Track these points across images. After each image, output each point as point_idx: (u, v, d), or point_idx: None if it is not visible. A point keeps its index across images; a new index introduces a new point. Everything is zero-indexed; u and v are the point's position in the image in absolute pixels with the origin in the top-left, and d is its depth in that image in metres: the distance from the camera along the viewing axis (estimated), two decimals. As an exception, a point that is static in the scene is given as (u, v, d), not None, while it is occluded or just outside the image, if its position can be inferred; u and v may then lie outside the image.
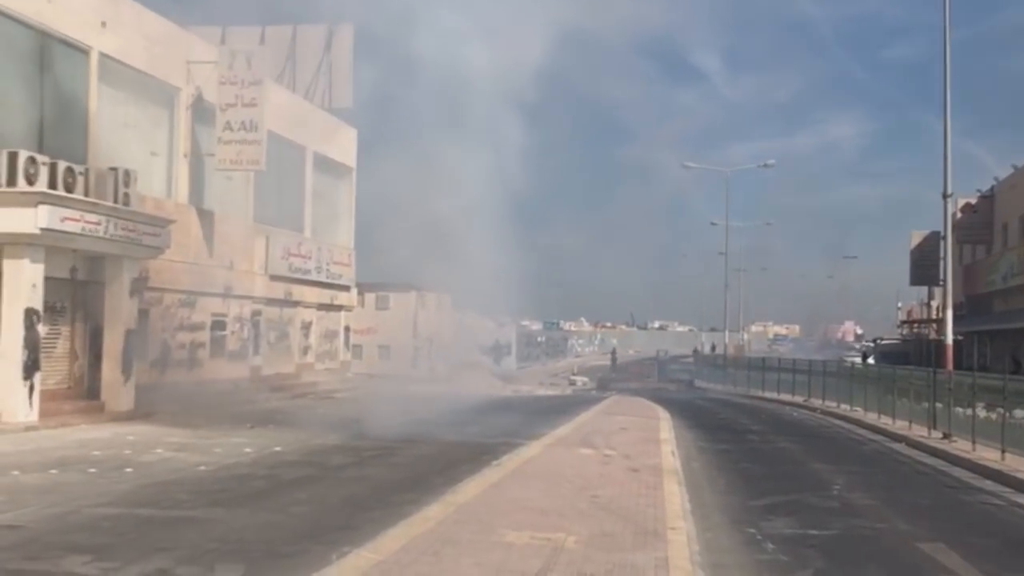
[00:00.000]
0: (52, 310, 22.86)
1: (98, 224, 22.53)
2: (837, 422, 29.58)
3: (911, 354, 59.69)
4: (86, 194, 22.41)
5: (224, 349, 31.44)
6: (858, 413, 29.63)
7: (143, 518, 11.73)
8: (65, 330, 23.85)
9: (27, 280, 21.36)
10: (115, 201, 23.26)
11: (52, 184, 21.43)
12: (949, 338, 25.69)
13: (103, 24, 24.97)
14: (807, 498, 14.68)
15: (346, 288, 41.20)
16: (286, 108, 34.77)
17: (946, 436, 21.91)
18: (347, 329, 42.30)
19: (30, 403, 21.30)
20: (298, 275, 36.17)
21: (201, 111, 29.46)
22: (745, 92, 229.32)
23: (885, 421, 26.57)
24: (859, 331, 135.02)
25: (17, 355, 21.13)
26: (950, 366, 24.97)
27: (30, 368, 21.35)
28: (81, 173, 22.45)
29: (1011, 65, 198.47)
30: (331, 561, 9.08)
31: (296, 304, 36.72)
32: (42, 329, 21.84)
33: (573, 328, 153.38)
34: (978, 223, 48.68)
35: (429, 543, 9.84)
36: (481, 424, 25.03)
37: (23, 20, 22.61)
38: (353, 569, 8.77)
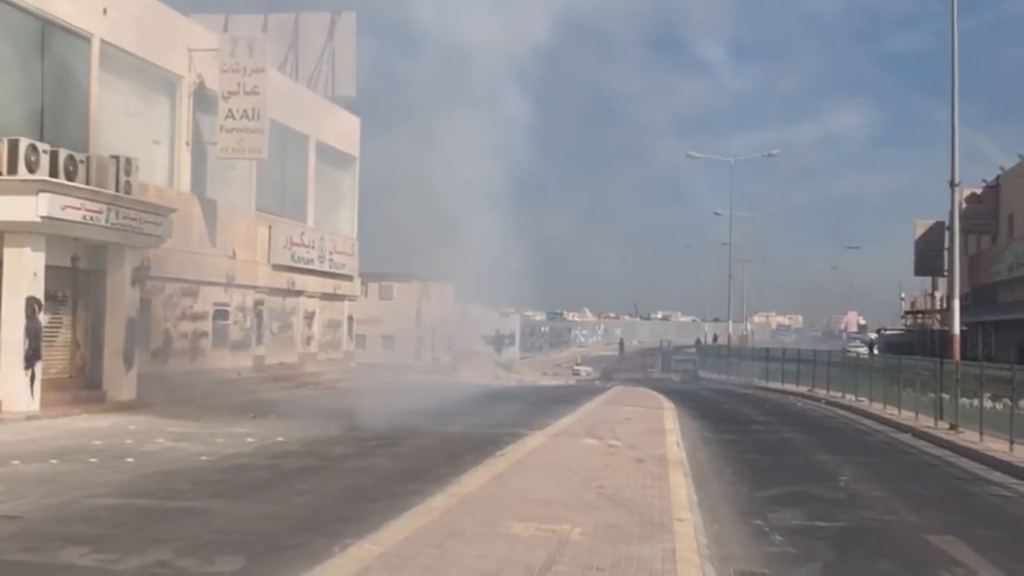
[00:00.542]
0: (53, 299, 22.71)
1: (99, 212, 22.38)
2: (842, 412, 29.47)
3: (915, 344, 59.46)
4: (87, 182, 22.27)
5: (226, 339, 31.31)
6: (863, 403, 29.52)
7: (143, 509, 11.60)
8: (66, 319, 23.71)
9: (28, 269, 21.23)
10: (116, 189, 23.13)
11: (53, 172, 21.29)
12: (956, 328, 25.48)
13: (104, 11, 24.77)
14: (814, 489, 14.55)
15: (349, 278, 41.04)
16: (289, 96, 34.57)
17: (953, 427, 21.78)
18: (350, 319, 42.15)
19: (31, 392, 21.19)
20: (301, 264, 36.01)
21: (203, 99, 29.27)
22: (749, 82, 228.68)
23: (891, 411, 26.44)
24: (862, 321, 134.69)
25: (18, 344, 21.00)
26: (957, 356, 24.77)
27: (31, 357, 21.23)
28: (82, 161, 22.31)
29: (1016, 55, 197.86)
30: (333, 553, 8.95)
31: (299, 294, 36.58)
32: (43, 318, 21.72)
33: (576, 318, 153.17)
34: (983, 213, 48.40)
35: (433, 535, 9.70)
36: (485, 414, 24.93)
37: (24, 6, 22.40)
38: (355, 561, 8.63)
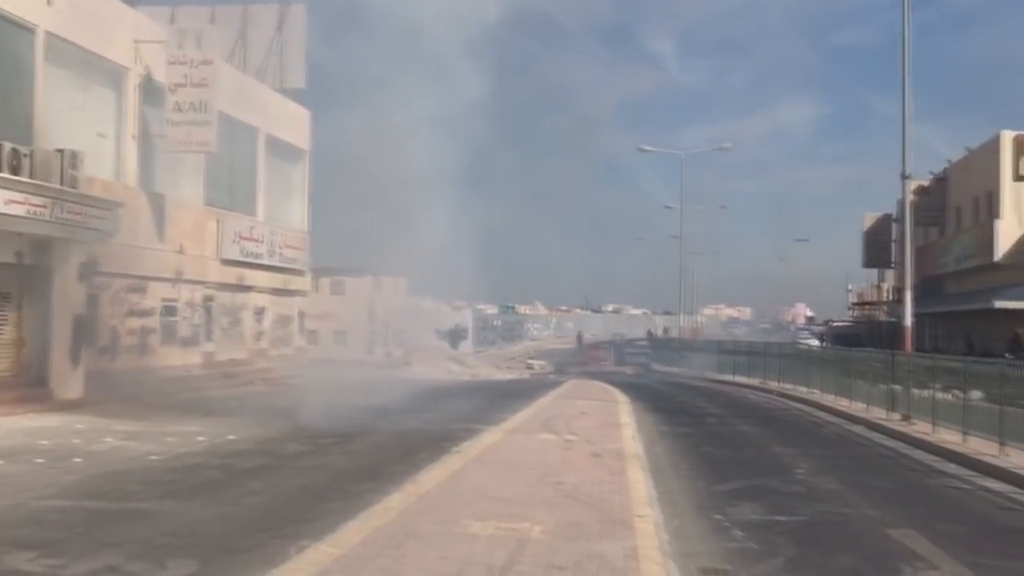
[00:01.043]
0: (-3, 296, 22.25)
1: (44, 207, 21.91)
2: (795, 404, 29.60)
3: (863, 336, 60.12)
4: (32, 176, 21.78)
5: (175, 335, 30.86)
6: (815, 395, 29.66)
7: (92, 511, 11.32)
8: (11, 316, 23.22)
9: (-30, 265, 20.76)
10: (62, 184, 22.64)
11: (-4, 166, 20.81)
12: (908, 319, 25.67)
13: (49, 2, 24.24)
14: (771, 482, 14.54)
15: (300, 272, 40.65)
16: (237, 89, 34.12)
17: (906, 418, 21.91)
18: (301, 314, 41.76)
19: (-25, 392, 20.72)
20: (251, 259, 35.57)
21: (150, 92, 28.78)
22: (698, 76, 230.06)
23: (843, 403, 26.56)
24: (810, 313, 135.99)
25: (-39, 342, 20.53)
26: (909, 347, 24.96)
27: (-26, 356, 20.77)
28: (26, 155, 21.81)
29: (960, 50, 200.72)
30: (289, 556, 8.75)
31: (249, 289, 36.14)
32: (-13, 315, 21.25)
33: (529, 312, 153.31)
34: (931, 205, 48.94)
35: (391, 535, 9.53)
36: (439, 410, 24.78)
37: (-36, -3, 21.90)
38: (312, 564, 8.43)
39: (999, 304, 38.55)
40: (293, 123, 39.98)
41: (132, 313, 28.33)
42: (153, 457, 15.63)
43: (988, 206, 43.19)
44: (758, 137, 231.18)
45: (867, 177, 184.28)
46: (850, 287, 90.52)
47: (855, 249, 62.78)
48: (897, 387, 23.12)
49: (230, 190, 34.84)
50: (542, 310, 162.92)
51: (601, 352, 73.14)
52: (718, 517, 11.71)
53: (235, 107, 33.09)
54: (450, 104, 30.10)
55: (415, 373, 45.30)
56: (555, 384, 36.93)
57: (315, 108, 40.80)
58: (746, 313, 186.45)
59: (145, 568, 8.75)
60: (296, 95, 40.22)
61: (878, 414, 23.45)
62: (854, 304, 79.03)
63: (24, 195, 21.31)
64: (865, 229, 60.59)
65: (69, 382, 23.75)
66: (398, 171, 29.36)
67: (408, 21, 29.30)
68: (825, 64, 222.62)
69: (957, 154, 48.89)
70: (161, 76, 28.54)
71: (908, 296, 25.67)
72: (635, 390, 33.54)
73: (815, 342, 60.63)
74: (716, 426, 23.10)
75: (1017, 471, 15.03)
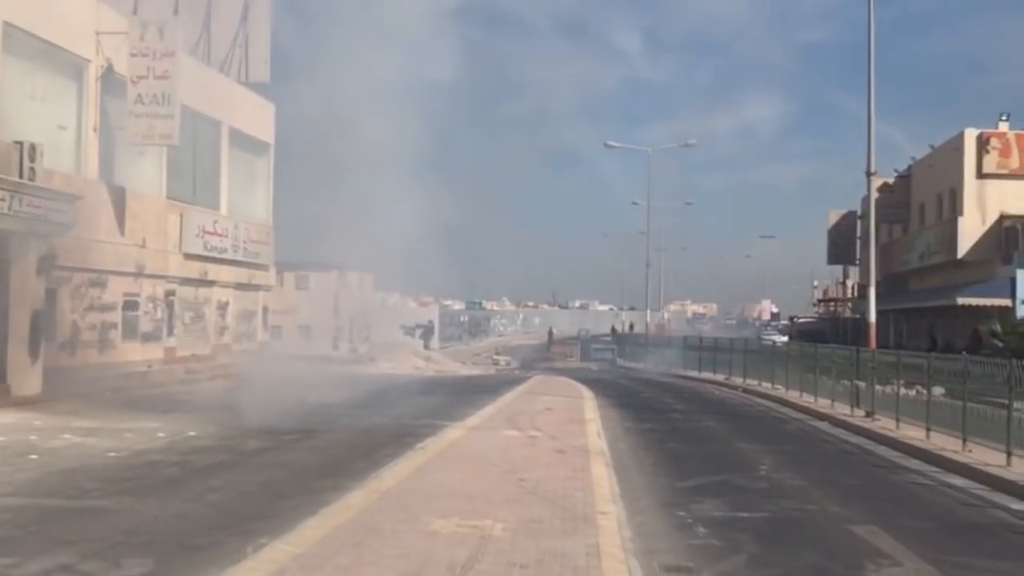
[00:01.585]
0: (-47, 290, 21.87)
1: (2, 200, 21.55)
2: (759, 400, 29.69)
3: (827, 332, 60.52)
4: (-11, 169, 21.43)
5: (137, 330, 30.48)
6: (780, 391, 29.75)
7: (47, 509, 11.12)
8: (-32, 311, 22.84)
9: (-74, 258, 20.38)
10: (20, 176, 22.27)
11: (-48, 158, 20.46)
12: (872, 316, 25.74)
13: (6, -9, 23.87)
14: (735, 479, 14.53)
15: (264, 267, 40.31)
16: (200, 81, 33.75)
17: (869, 414, 22.01)
18: (265, 309, 41.43)
19: (-70, 387, 20.36)
20: (214, 254, 35.21)
21: (111, 83, 28.38)
22: (665, 72, 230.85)
23: (807, 399, 26.67)
24: (775, 309, 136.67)
25: (-85, 337, 20.17)
26: (873, 344, 25.04)
27: (-71, 351, 20.40)
28: (-17, 147, 21.47)
29: (923, 48, 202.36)
30: (247, 554, 8.61)
31: (212, 284, 35.78)
32: (-58, 310, 20.88)
33: (495, 307, 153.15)
34: (895, 203, 49.29)
35: (351, 533, 9.41)
36: (403, 405, 24.64)
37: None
38: (270, 563, 8.31)
39: (961, 300, 38.89)
40: (257, 116, 39.63)
41: (92, 308, 27.95)
42: (111, 454, 15.40)
43: (952, 203, 43.54)
44: (724, 134, 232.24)
45: (833, 174, 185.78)
46: (815, 283, 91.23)
47: (820, 246, 63.21)
48: (861, 383, 23.22)
49: (193, 184, 34.47)
50: (509, 306, 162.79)
51: (567, 348, 73.10)
52: (681, 514, 11.67)
53: (198, 100, 32.74)
54: (413, 87, 29.87)
55: (380, 369, 45.09)
56: (520, 380, 36.85)
57: (278, 97, 40.43)
58: (712, 309, 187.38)
59: (100, 567, 8.60)
60: (260, 89, 39.85)
61: (842, 410, 23.54)
62: (819, 300, 79.58)
63: (-19, 187, 20.95)
64: (830, 226, 60.95)
65: (27, 378, 23.36)
66: (361, 155, 29.05)
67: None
68: (791, 61, 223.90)
69: (921, 152, 49.29)
70: (123, 68, 28.16)
71: (872, 293, 25.73)
72: (600, 386, 33.53)
73: (781, 338, 60.89)
74: (680, 422, 23.09)
75: (979, 467, 15.10)
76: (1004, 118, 42.68)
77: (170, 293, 32.63)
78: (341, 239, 31.95)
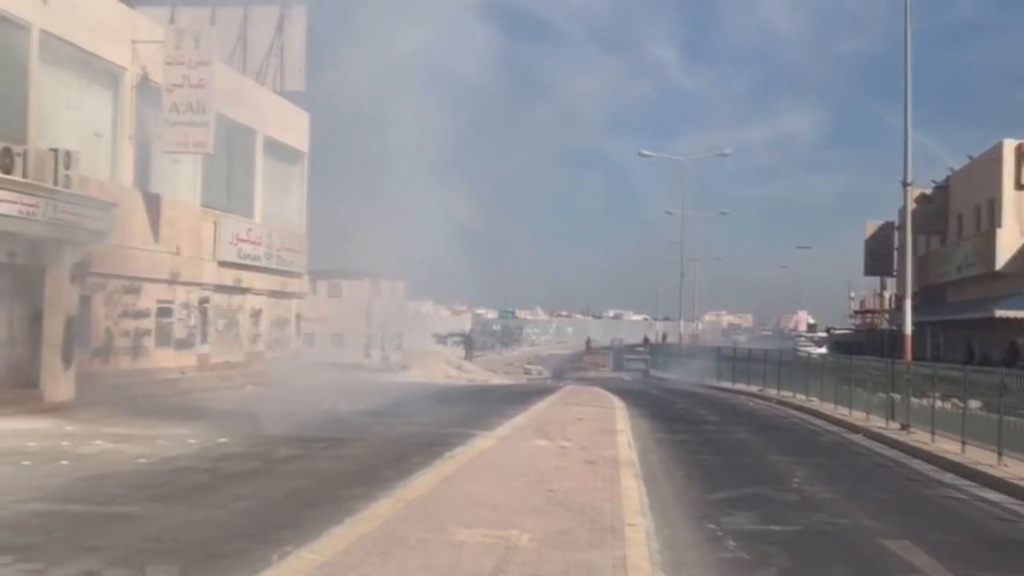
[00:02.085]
0: (-11, 296, 22.05)
1: (36, 207, 21.70)
2: (793, 412, 29.41)
3: (864, 344, 59.94)
4: (24, 176, 21.58)
5: (170, 337, 30.65)
6: (814, 403, 29.46)
7: (75, 515, 11.15)
8: (3, 316, 23.01)
9: (-38, 264, 20.56)
10: (55, 183, 22.45)
11: (-11, 165, 20.63)
12: (908, 328, 25.46)
13: (44, 1, 24.08)
14: (767, 491, 14.36)
15: (297, 275, 40.45)
16: (236, 90, 33.92)
17: (904, 427, 21.74)
18: (298, 317, 41.55)
19: (-35, 392, 20.52)
20: (248, 261, 35.38)
21: (147, 92, 28.60)
22: (702, 83, 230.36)
23: (842, 412, 26.38)
24: (811, 321, 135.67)
25: (-49, 342, 20.33)
26: (908, 356, 24.76)
27: (-35, 356, 20.57)
28: (20, 154, 21.61)
29: (961, 59, 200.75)
30: (271, 563, 8.57)
31: (246, 291, 35.94)
32: (-22, 315, 21.05)
33: (529, 316, 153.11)
34: (933, 213, 48.70)
35: (376, 543, 9.35)
36: (434, 414, 24.59)
37: (-41, -5, 21.72)
38: (294, 572, 8.27)
39: (999, 313, 38.34)
40: (291, 125, 39.80)
41: (126, 314, 28.12)
42: (142, 460, 15.44)
43: (990, 214, 42.99)
44: (760, 144, 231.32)
45: (870, 185, 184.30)
46: (852, 295, 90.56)
47: (857, 257, 62.58)
48: (896, 396, 22.94)
49: (227, 192, 34.65)
50: (542, 315, 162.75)
51: (600, 358, 72.87)
52: (711, 526, 11.53)
53: (233, 108, 32.91)
54: (452, 97, 29.97)
55: (411, 377, 45.13)
56: (552, 390, 36.74)
57: (312, 106, 40.57)
58: (747, 320, 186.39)
59: (125, 574, 8.60)
60: (295, 97, 40.03)
61: (877, 423, 23.27)
62: (855, 312, 78.96)
63: (17, 195, 21.11)
64: (867, 237, 60.41)
65: (60, 384, 23.54)
66: (395, 161, 29.17)
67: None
68: (827, 72, 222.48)
69: (959, 162, 48.73)
70: (158, 76, 28.37)
71: (908, 304, 25.46)
72: (632, 396, 33.36)
73: (816, 349, 60.39)
74: (713, 433, 22.90)
75: (1015, 482, 14.86)
76: (1044, 128, 42.14)
77: (204, 300, 32.79)
78: (374, 247, 32.04)
